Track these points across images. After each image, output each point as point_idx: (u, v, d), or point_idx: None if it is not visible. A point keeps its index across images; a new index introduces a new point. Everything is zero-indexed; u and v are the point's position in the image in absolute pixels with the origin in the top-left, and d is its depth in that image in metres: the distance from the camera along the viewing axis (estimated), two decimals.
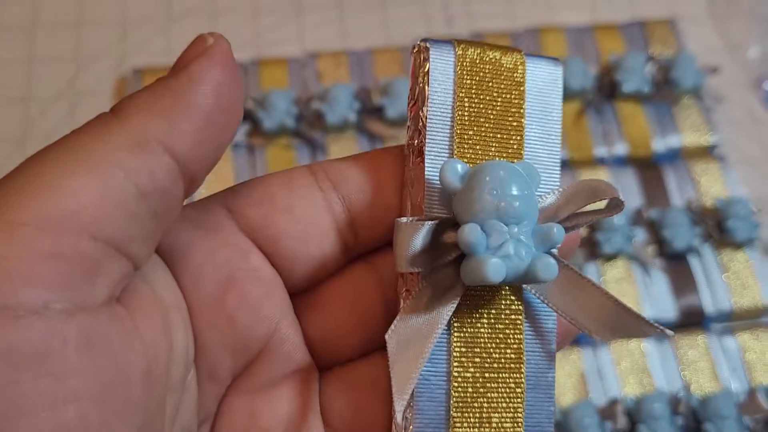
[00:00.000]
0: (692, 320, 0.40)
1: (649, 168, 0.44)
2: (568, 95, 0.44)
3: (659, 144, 0.44)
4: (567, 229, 0.18)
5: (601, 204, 0.19)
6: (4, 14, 0.48)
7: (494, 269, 0.17)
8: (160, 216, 0.16)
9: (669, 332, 0.17)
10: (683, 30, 0.48)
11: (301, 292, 0.20)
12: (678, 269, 0.41)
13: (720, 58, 0.48)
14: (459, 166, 0.18)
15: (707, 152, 0.44)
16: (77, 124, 0.16)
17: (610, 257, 0.41)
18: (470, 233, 0.17)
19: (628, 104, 0.45)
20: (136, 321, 0.16)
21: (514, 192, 0.17)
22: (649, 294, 0.40)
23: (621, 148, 0.44)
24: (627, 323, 0.18)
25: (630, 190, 0.43)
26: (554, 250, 0.19)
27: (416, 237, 0.18)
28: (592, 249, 0.41)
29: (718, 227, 0.41)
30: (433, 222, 0.18)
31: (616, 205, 0.18)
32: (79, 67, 0.47)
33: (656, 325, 0.17)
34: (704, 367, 0.39)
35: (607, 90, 0.45)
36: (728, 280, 0.41)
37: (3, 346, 0.13)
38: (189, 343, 0.18)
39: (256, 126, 0.42)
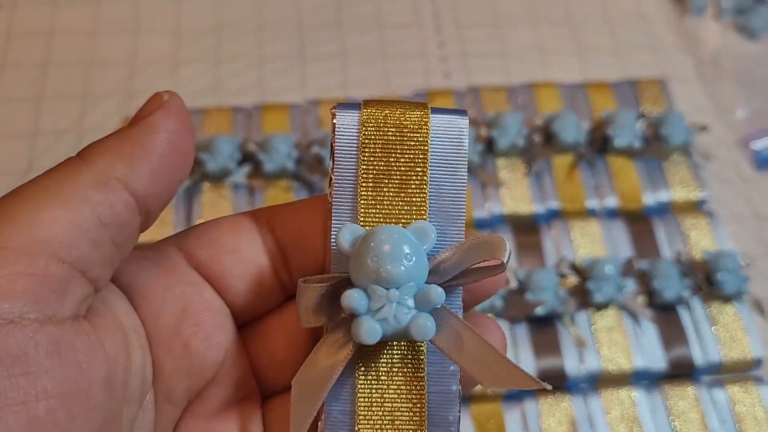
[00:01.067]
0: (682, 371, 0.40)
1: (639, 221, 0.45)
2: (561, 148, 0.46)
3: (649, 198, 0.45)
4: (458, 286, 0.20)
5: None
6: (17, 53, 0.50)
7: (368, 332, 0.19)
8: (119, 244, 0.18)
9: (547, 386, 0.19)
10: (673, 90, 0.50)
11: (246, 325, 0.22)
12: (668, 320, 0.41)
13: (708, 118, 0.49)
14: (349, 233, 0.19)
15: (696, 207, 0.46)
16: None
17: (601, 306, 0.41)
18: (350, 299, 0.19)
19: (620, 159, 0.46)
20: (99, 336, 0.18)
21: (396, 259, 0.19)
22: (639, 344, 0.41)
23: (612, 201, 0.45)
24: (511, 375, 0.19)
25: (621, 241, 0.44)
26: (459, 300, 0.20)
27: (315, 297, 0.19)
28: (584, 298, 0.41)
29: (707, 280, 0.42)
30: (327, 284, 0.20)
31: (497, 268, 0.19)
32: (86, 105, 0.48)
33: (536, 379, 0.19)
34: (694, 418, 0.39)
35: (599, 144, 0.46)
36: (717, 332, 0.41)
37: None
38: (147, 364, 0.20)
39: (258, 168, 0.43)
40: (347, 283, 0.20)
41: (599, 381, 0.40)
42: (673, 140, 0.45)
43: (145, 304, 0.20)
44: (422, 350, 0.20)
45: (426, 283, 0.20)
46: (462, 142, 0.21)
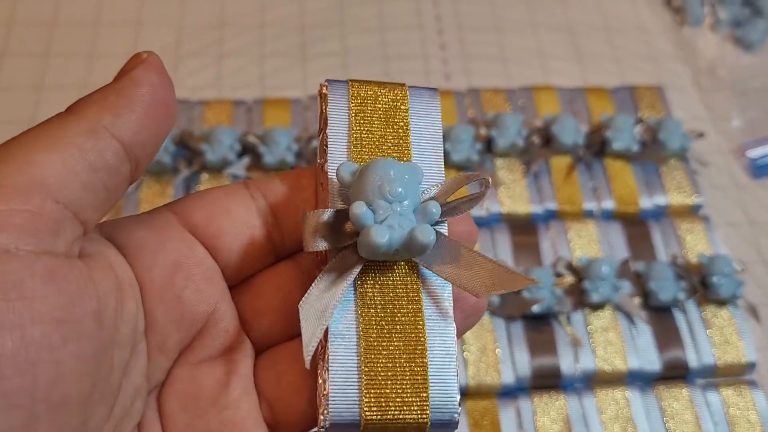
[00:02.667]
0: (676, 373, 0.41)
1: (635, 224, 0.45)
2: (560, 150, 0.46)
3: (646, 202, 0.46)
4: (448, 213, 0.22)
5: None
6: (18, 42, 0.50)
7: (378, 233, 0.20)
8: (109, 189, 0.19)
9: (538, 282, 0.21)
10: (670, 98, 0.50)
11: (237, 284, 0.23)
12: (663, 322, 0.42)
13: (704, 126, 0.50)
14: (348, 166, 0.21)
15: (692, 212, 0.46)
16: None
17: (597, 306, 0.41)
18: (358, 208, 0.20)
19: (617, 162, 0.46)
20: (91, 274, 0.19)
21: (395, 177, 0.20)
22: (634, 345, 0.41)
23: (609, 204, 0.45)
24: (504, 279, 0.21)
25: (617, 243, 0.44)
26: (445, 230, 0.22)
27: (319, 220, 0.21)
28: (580, 297, 0.41)
29: (702, 283, 0.42)
30: (332, 210, 0.21)
31: (483, 192, 0.21)
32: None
33: (529, 277, 0.21)
34: (688, 420, 0.39)
35: (597, 147, 0.47)
36: (712, 335, 0.41)
37: None
38: (139, 317, 0.21)
39: (257, 160, 0.43)
40: (348, 215, 0.21)
41: (594, 380, 0.40)
42: (670, 145, 0.46)
43: (139, 259, 0.21)
44: (419, 275, 0.21)
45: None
46: (436, 111, 0.23)
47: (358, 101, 0.23)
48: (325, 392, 0.20)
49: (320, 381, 0.20)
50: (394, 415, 0.20)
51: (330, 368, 0.20)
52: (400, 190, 0.20)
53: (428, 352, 0.21)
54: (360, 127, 0.23)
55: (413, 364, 0.20)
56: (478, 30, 0.54)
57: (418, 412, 0.20)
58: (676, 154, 0.46)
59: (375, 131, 0.23)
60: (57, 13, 0.51)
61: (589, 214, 0.45)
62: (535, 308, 0.40)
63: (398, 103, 0.23)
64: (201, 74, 0.50)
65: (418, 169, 0.22)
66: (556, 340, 0.40)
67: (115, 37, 0.51)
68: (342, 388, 0.20)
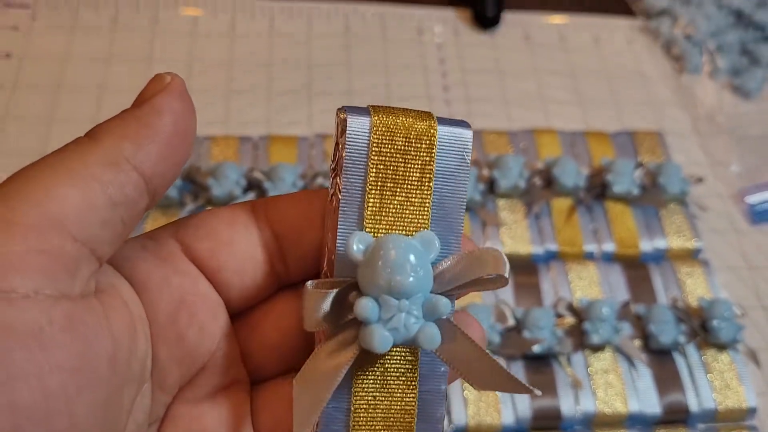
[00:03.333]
0: (677, 417, 0.40)
1: (636, 266, 0.45)
2: (561, 192, 0.47)
3: (646, 245, 0.46)
4: (458, 295, 0.21)
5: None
6: (31, 76, 0.51)
7: (381, 341, 0.19)
8: (126, 223, 0.19)
9: (537, 391, 0.20)
10: (669, 143, 0.51)
11: (238, 314, 0.22)
12: (663, 365, 0.42)
13: (703, 171, 0.51)
14: (361, 241, 0.20)
15: (692, 256, 0.46)
16: None
17: (597, 348, 0.41)
18: (364, 308, 0.19)
19: (618, 205, 0.47)
20: (107, 314, 0.19)
21: (406, 270, 0.19)
22: (634, 387, 0.41)
23: (610, 246, 0.46)
24: (501, 380, 0.20)
25: (617, 285, 0.44)
26: (453, 307, 0.21)
27: (322, 302, 0.20)
28: (580, 339, 0.41)
29: (702, 327, 0.42)
30: (335, 290, 0.20)
31: (499, 280, 0.20)
32: None
33: (525, 384, 0.20)
34: None
35: (597, 190, 0.47)
36: (712, 379, 0.41)
37: (1, 322, 0.16)
38: (148, 353, 0.20)
39: (263, 195, 0.44)
40: (353, 288, 0.20)
41: (594, 423, 0.40)
42: (670, 189, 0.46)
43: (145, 294, 0.20)
44: (417, 354, 0.21)
45: (430, 292, 0.20)
46: (465, 154, 0.21)
47: (381, 135, 0.21)
48: None
49: None
50: None
51: None
52: (410, 280, 0.19)
53: (416, 424, 0.21)
54: (379, 169, 0.21)
55: None
56: (480, 73, 0.55)
57: None
58: (675, 198, 0.47)
59: (395, 174, 0.21)
60: (70, 47, 0.52)
61: (589, 256, 0.46)
62: (536, 348, 0.40)
63: (426, 138, 0.21)
64: (209, 110, 0.50)
65: (432, 243, 0.20)
66: (556, 381, 0.40)
67: (126, 72, 0.52)
68: None
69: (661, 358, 0.42)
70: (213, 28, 0.55)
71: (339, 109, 0.21)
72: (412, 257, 0.19)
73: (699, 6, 0.58)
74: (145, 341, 0.20)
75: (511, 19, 0.58)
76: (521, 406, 0.40)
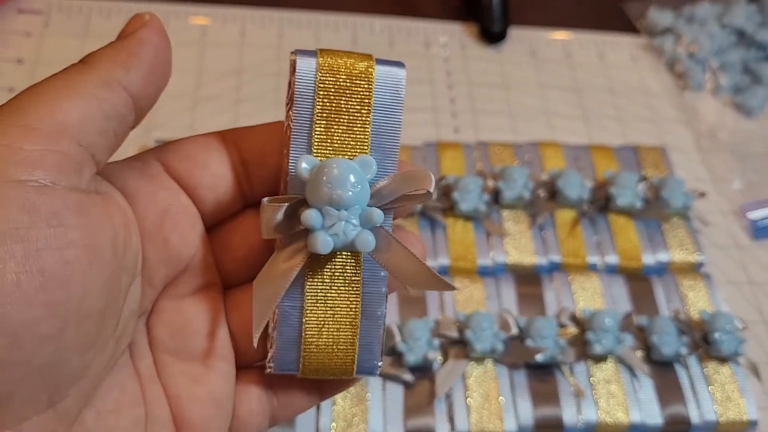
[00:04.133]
0: (678, 428, 0.41)
1: (638, 279, 0.46)
2: (565, 204, 0.47)
3: (649, 258, 0.46)
4: (392, 208, 0.25)
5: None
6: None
7: (323, 244, 0.23)
8: (118, 135, 0.22)
9: (456, 287, 0.25)
10: (672, 158, 0.52)
11: (211, 228, 0.26)
12: (665, 376, 0.42)
13: (705, 186, 0.51)
14: (308, 162, 0.23)
15: (694, 269, 0.47)
16: None
17: (600, 358, 0.42)
18: (308, 217, 0.23)
19: (621, 218, 0.47)
20: (108, 209, 0.22)
21: (345, 185, 0.23)
22: (636, 398, 0.41)
23: (613, 258, 0.46)
24: (429, 279, 0.24)
25: (620, 297, 0.45)
26: (390, 221, 0.25)
27: (275, 214, 0.23)
28: (583, 349, 0.42)
29: (704, 339, 0.43)
30: (287, 204, 0.23)
31: (426, 195, 0.24)
32: None
33: (447, 281, 0.24)
34: None
35: (601, 203, 0.48)
36: (714, 392, 0.41)
37: (28, 204, 0.19)
38: (139, 249, 0.23)
39: None
40: (303, 204, 0.23)
41: None
42: (672, 203, 0.47)
43: (134, 205, 0.24)
44: (359, 259, 0.25)
45: (367, 206, 0.24)
46: (400, 90, 0.25)
47: (326, 73, 0.24)
48: (272, 347, 0.25)
49: (270, 337, 0.25)
50: (325, 368, 0.25)
51: (277, 329, 0.24)
52: (349, 194, 0.23)
53: (360, 321, 0.25)
54: (324, 103, 0.24)
55: (346, 332, 0.25)
56: (487, 86, 0.56)
57: (345, 366, 0.25)
58: (678, 212, 0.47)
59: (338, 107, 0.24)
60: (81, 53, 0.53)
61: (592, 268, 0.46)
62: (539, 357, 0.41)
63: (365, 76, 0.24)
64: (218, 117, 0.51)
65: (370, 165, 0.23)
66: (558, 390, 0.41)
67: None
68: (285, 347, 0.25)
69: (662, 369, 0.42)
70: (222, 38, 0.56)
71: (291, 52, 0.24)
72: (351, 176, 0.23)
73: (702, 25, 0.59)
74: (137, 239, 0.23)
75: (517, 34, 0.59)
76: (523, 414, 0.40)
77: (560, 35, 0.60)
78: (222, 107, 0.52)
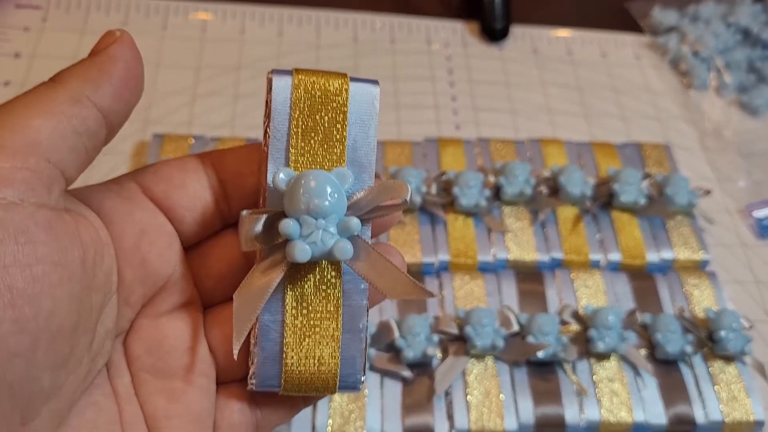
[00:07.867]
0: (683, 428, 0.40)
1: (642, 276, 0.45)
2: (567, 201, 0.46)
3: (653, 255, 0.46)
4: (370, 219, 0.25)
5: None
6: (40, 75, 0.51)
7: (300, 252, 0.23)
8: (89, 151, 0.22)
9: (435, 294, 0.23)
10: (676, 157, 0.51)
11: (190, 247, 0.26)
12: (669, 375, 0.41)
13: (710, 185, 0.50)
14: (284, 174, 0.23)
15: (699, 267, 0.46)
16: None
17: (603, 356, 0.41)
18: (286, 226, 0.23)
19: (624, 215, 0.47)
20: (77, 226, 0.22)
21: (323, 195, 0.23)
22: (640, 397, 0.40)
23: (616, 256, 0.45)
24: (408, 288, 0.24)
25: (623, 294, 0.44)
26: (369, 232, 0.25)
27: (254, 225, 0.23)
28: (585, 346, 0.41)
29: (709, 338, 0.42)
30: (265, 215, 0.23)
31: (403, 203, 0.24)
32: None
33: (426, 289, 0.24)
34: None
35: (604, 199, 0.47)
36: (719, 391, 0.40)
37: None
38: (113, 269, 0.23)
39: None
40: (281, 216, 0.23)
41: (598, 431, 0.39)
42: (677, 201, 0.46)
43: (111, 226, 0.24)
44: (339, 271, 0.24)
45: (345, 216, 0.24)
46: (374, 106, 0.25)
47: (302, 91, 0.24)
48: (252, 364, 0.24)
49: (251, 353, 0.24)
50: (308, 384, 0.24)
51: (258, 344, 0.24)
52: (326, 203, 0.23)
53: (341, 334, 0.24)
54: (301, 122, 0.24)
55: (328, 346, 0.24)
56: (488, 84, 0.55)
57: (328, 381, 0.24)
58: (682, 210, 0.47)
59: (314, 122, 0.24)
60: (79, 48, 0.53)
61: (595, 265, 0.45)
62: (540, 354, 0.40)
63: (338, 97, 0.25)
64: (216, 113, 0.50)
65: (346, 176, 0.24)
66: (560, 388, 0.40)
67: None
68: (266, 363, 0.24)
69: (667, 368, 0.41)
70: (222, 33, 0.55)
71: (269, 72, 0.25)
72: (328, 186, 0.23)
73: (707, 23, 0.58)
74: (110, 259, 0.23)
75: (519, 32, 0.59)
76: (524, 412, 0.39)
77: (562, 33, 0.60)
78: (220, 103, 0.51)
